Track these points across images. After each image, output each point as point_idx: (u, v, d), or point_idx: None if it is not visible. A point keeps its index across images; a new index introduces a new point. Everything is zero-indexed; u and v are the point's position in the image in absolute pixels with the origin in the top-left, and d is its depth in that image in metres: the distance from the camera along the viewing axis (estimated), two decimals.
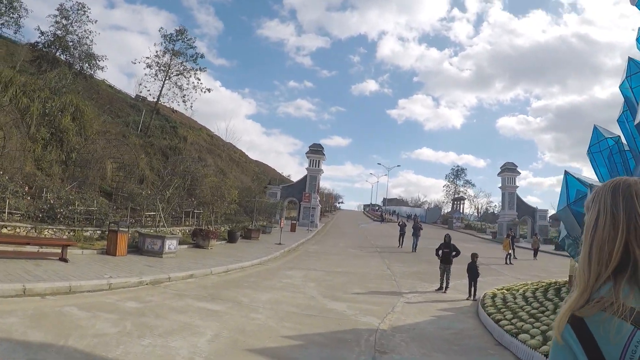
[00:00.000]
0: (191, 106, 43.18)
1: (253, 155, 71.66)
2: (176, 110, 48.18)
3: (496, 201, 79.85)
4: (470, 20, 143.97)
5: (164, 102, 39.30)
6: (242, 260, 13.14)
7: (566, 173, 8.92)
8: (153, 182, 21.52)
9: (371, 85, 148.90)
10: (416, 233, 22.13)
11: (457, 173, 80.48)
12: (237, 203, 22.01)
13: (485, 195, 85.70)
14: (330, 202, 76.45)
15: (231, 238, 18.97)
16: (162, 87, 39.37)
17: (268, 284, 10.14)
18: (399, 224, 25.77)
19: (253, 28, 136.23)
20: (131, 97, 46.37)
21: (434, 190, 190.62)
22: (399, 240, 23.71)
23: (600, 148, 8.67)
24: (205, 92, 42.49)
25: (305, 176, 40.54)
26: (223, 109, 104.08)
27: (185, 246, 15.62)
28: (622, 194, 1.04)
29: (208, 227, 17.79)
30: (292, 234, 27.52)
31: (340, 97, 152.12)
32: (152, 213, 17.79)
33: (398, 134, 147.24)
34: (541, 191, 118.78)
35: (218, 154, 47.73)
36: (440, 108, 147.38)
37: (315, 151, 40.30)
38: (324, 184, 79.00)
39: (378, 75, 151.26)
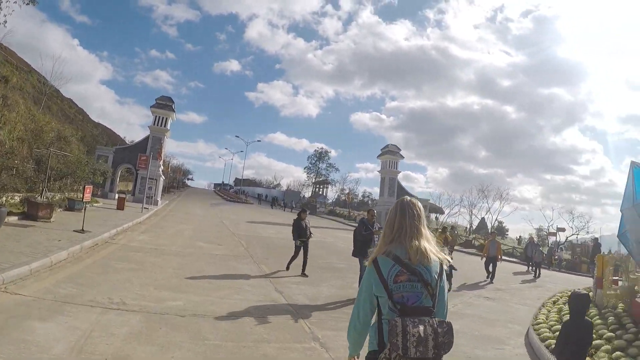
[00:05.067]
0: (4, 22, 30.95)
1: (103, 123, 60.42)
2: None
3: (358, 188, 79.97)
4: (340, 18, 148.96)
5: None
6: None
7: (633, 165, 7.52)
8: None
9: (234, 65, 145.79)
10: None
11: (321, 155, 77.62)
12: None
13: (355, 182, 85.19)
14: (178, 177, 66.88)
15: None
16: None
17: None
18: (302, 223, 10.69)
19: None
20: None
21: (285, 175, 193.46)
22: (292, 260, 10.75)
23: None
24: (28, 3, 30.60)
25: (147, 137, 31.48)
26: (78, 71, 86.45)
27: None
28: (400, 201, 2.30)
29: None
30: (117, 213, 19.42)
31: (201, 73, 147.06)
32: None
33: (254, 117, 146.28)
34: None
35: (47, 106, 36.01)
36: (299, 97, 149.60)
37: (163, 105, 31.33)
38: (173, 159, 69.27)
39: (242, 57, 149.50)
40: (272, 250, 14.27)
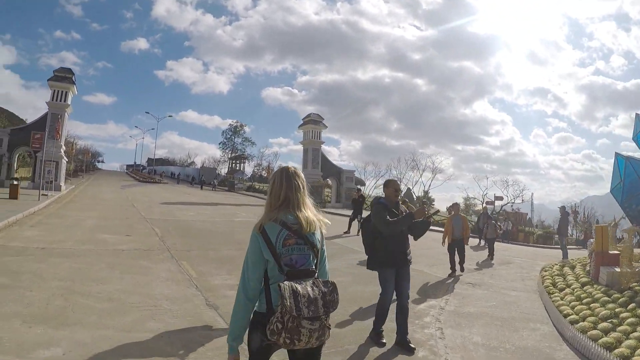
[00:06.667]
0: None
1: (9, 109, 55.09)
2: None
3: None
4: None
5: None
6: None
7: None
8: None
9: (142, 44, 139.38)
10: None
11: (236, 129, 75.70)
12: None
13: (274, 155, 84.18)
14: (86, 159, 62.05)
15: None
16: None
17: None
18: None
19: None
20: None
21: (198, 153, 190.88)
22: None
23: None
24: None
25: (46, 114, 28.15)
26: None
27: None
28: (284, 172, 2.34)
29: None
30: (8, 203, 17.24)
31: (108, 53, 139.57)
32: None
33: (164, 96, 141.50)
34: (300, 158, 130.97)
35: None
36: (209, 73, 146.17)
37: (62, 77, 27.96)
38: (80, 141, 64.26)
39: (150, 35, 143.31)
40: (194, 238, 12.40)
